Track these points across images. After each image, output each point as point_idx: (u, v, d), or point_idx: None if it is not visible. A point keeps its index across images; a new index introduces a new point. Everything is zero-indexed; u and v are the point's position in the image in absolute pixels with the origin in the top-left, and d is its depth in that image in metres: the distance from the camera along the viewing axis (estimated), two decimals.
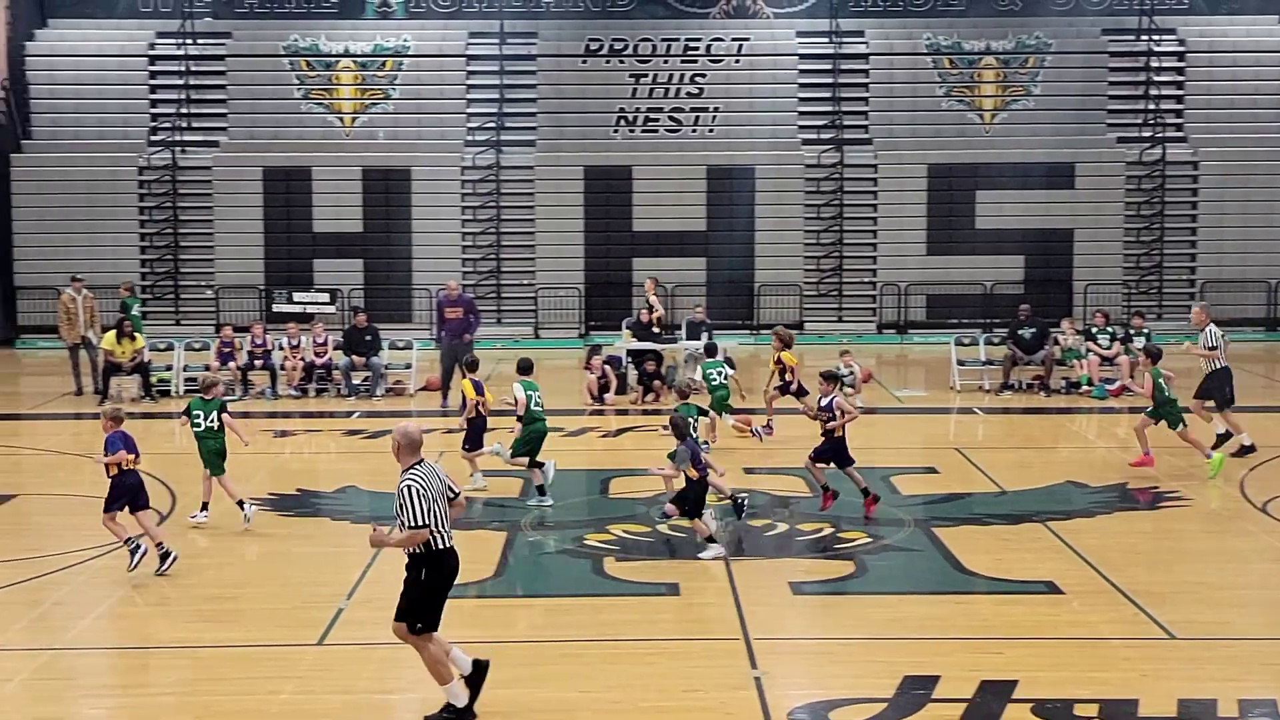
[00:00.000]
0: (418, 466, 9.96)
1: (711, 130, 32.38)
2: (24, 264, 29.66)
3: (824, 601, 12.69)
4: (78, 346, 24.32)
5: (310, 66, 32.12)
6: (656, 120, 32.42)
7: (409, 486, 9.83)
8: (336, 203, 30.74)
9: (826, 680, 10.75)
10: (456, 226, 31.10)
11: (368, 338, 24.11)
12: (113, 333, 23.38)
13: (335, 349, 24.18)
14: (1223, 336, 18.39)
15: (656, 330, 24.52)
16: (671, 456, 14.28)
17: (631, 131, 32.34)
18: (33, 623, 12.14)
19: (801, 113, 32.65)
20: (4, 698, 10.27)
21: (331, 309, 27.37)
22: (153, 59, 32.45)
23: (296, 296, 27.42)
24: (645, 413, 22.30)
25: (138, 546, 13.42)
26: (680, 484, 14.33)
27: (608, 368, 23.25)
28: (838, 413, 15.37)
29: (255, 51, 32.38)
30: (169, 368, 24.13)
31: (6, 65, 31.39)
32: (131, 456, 13.66)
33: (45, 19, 33.07)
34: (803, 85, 32.87)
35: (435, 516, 9.88)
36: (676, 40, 32.89)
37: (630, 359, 23.90)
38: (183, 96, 32.00)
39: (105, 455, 13.55)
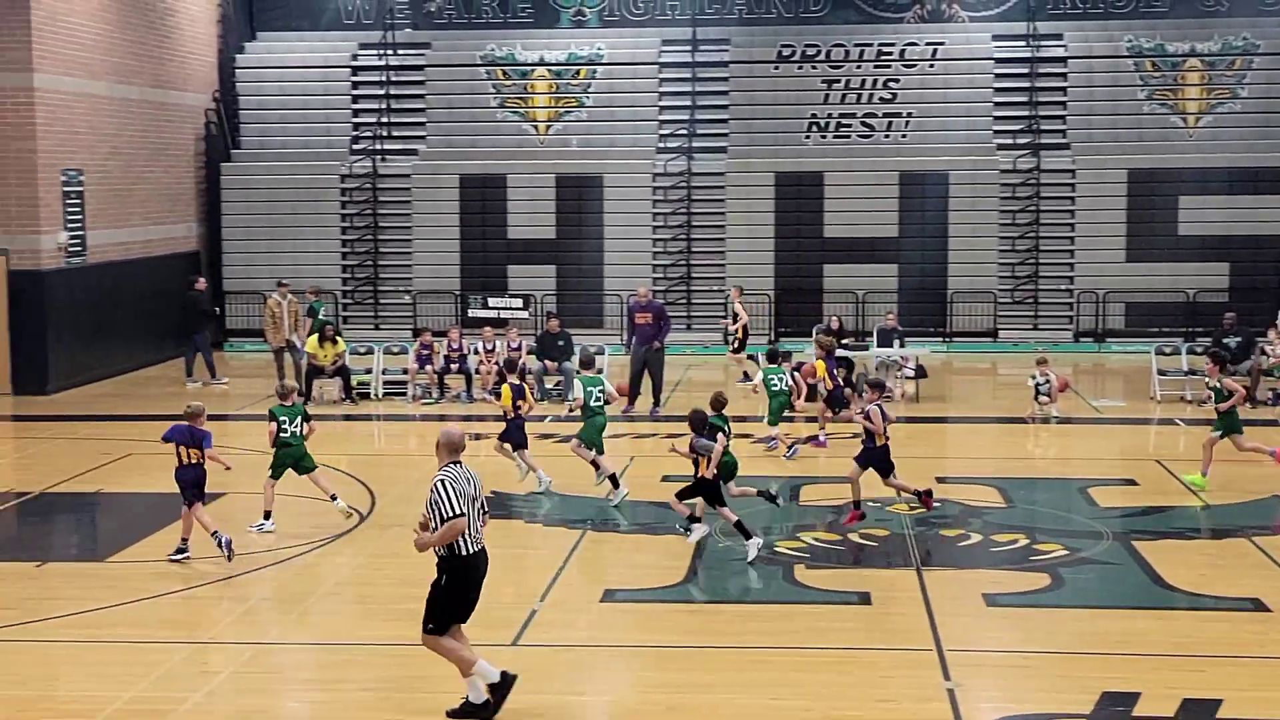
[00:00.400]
0: (452, 466, 10.09)
1: (905, 135, 32.07)
2: (231, 269, 30.68)
3: (1019, 614, 12.49)
4: (282, 350, 25.10)
5: (506, 76, 32.68)
6: (849, 126, 32.25)
7: (441, 481, 9.96)
8: (530, 209, 31.21)
9: (1021, 694, 10.58)
10: (648, 233, 31.33)
11: (560, 343, 24.42)
12: (315, 336, 24.07)
13: (529, 354, 24.54)
14: None
15: (845, 340, 24.38)
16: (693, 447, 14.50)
17: (823, 137, 32.21)
18: (241, 617, 12.59)
19: (997, 117, 32.15)
20: (214, 690, 10.66)
21: (525, 314, 27.78)
22: (355, 70, 33.33)
23: (491, 302, 27.88)
24: (835, 420, 22.16)
25: (223, 540, 14.02)
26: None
27: (797, 375, 23.18)
28: (869, 421, 15.06)
29: (453, 61, 33.05)
30: (369, 371, 24.74)
31: (218, 78, 32.52)
32: (196, 451, 14.15)
33: (254, 33, 34.20)
34: (998, 89, 32.36)
35: (465, 517, 9.94)
36: (870, 45, 32.65)
37: None
38: (383, 106, 32.80)
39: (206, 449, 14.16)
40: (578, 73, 32.67)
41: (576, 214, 31.26)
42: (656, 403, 22.90)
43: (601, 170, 31.43)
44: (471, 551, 10.02)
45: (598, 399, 17.13)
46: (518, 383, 17.34)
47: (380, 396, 24.35)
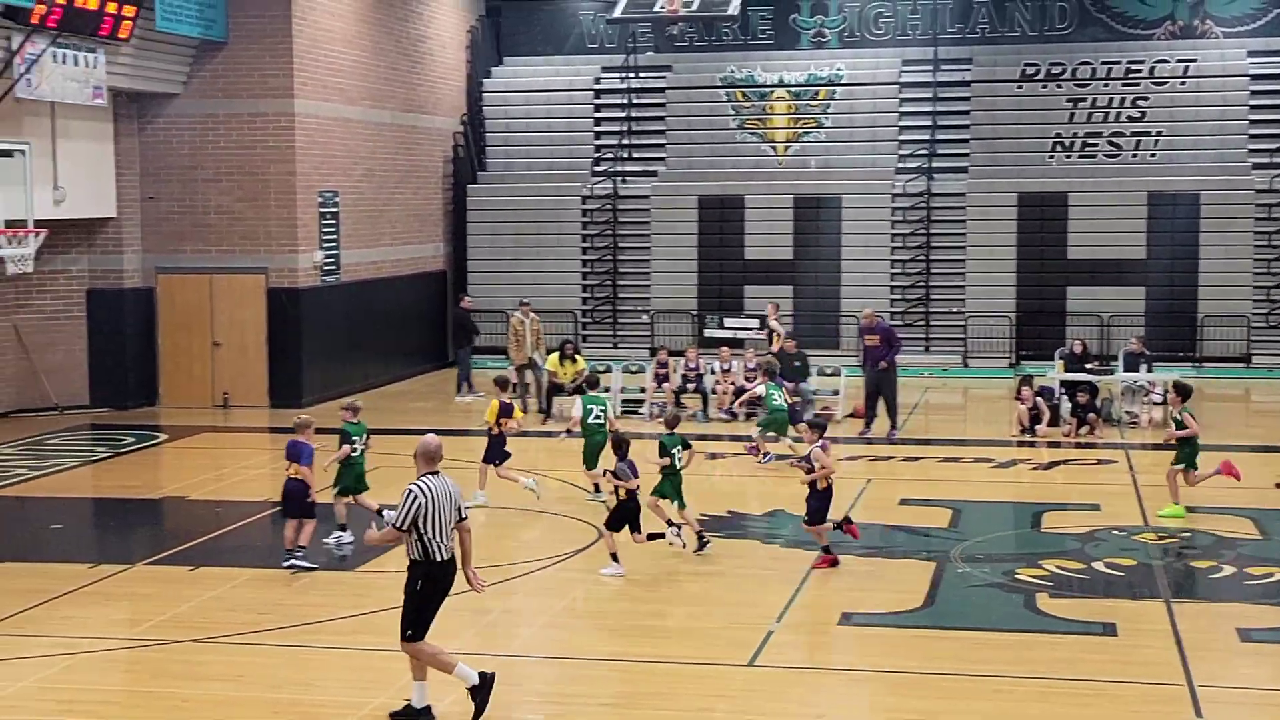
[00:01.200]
0: (428, 476, 10.36)
1: (1153, 155, 31.06)
2: (476, 288, 31.32)
3: (1276, 650, 11.92)
4: (524, 367, 25.56)
5: (745, 97, 32.75)
6: (1095, 145, 31.38)
7: (409, 490, 10.25)
8: (768, 230, 31.17)
9: None
10: (885, 254, 30.98)
11: (797, 364, 24.29)
12: (556, 355, 24.43)
13: (764, 375, 24.43)
14: None
15: (1089, 364, 23.69)
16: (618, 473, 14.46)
17: (1068, 157, 31.41)
18: (483, 629, 12.81)
19: (1252, 135, 30.89)
20: (456, 699, 10.86)
21: (762, 335, 27.74)
22: (597, 93, 33.80)
23: (728, 322, 27.92)
24: (1078, 445, 21.57)
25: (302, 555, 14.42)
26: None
27: (1039, 399, 22.63)
28: (816, 465, 14.57)
29: (693, 83, 33.27)
30: (607, 389, 24.95)
31: (466, 102, 33.35)
32: (298, 466, 14.46)
33: (501, 57, 34.97)
34: (1254, 107, 31.10)
35: (434, 527, 10.19)
36: (1118, 63, 31.73)
37: (1063, 390, 23.16)
38: (624, 128, 33.19)
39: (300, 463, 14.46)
40: (817, 93, 32.52)
41: (814, 234, 31.10)
42: (893, 425, 22.60)
43: (840, 191, 31.21)
44: (442, 559, 10.32)
45: (597, 418, 17.33)
46: (507, 400, 17.53)
47: (618, 414, 24.54)
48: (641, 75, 33.63)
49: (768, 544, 15.82)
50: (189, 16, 24.60)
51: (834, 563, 14.51)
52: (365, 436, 15.82)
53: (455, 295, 31.46)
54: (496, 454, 17.57)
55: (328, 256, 26.70)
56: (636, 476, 14.62)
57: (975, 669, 11.56)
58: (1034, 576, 14.19)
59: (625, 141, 33.07)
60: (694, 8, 29.86)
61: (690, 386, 24.62)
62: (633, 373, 25.64)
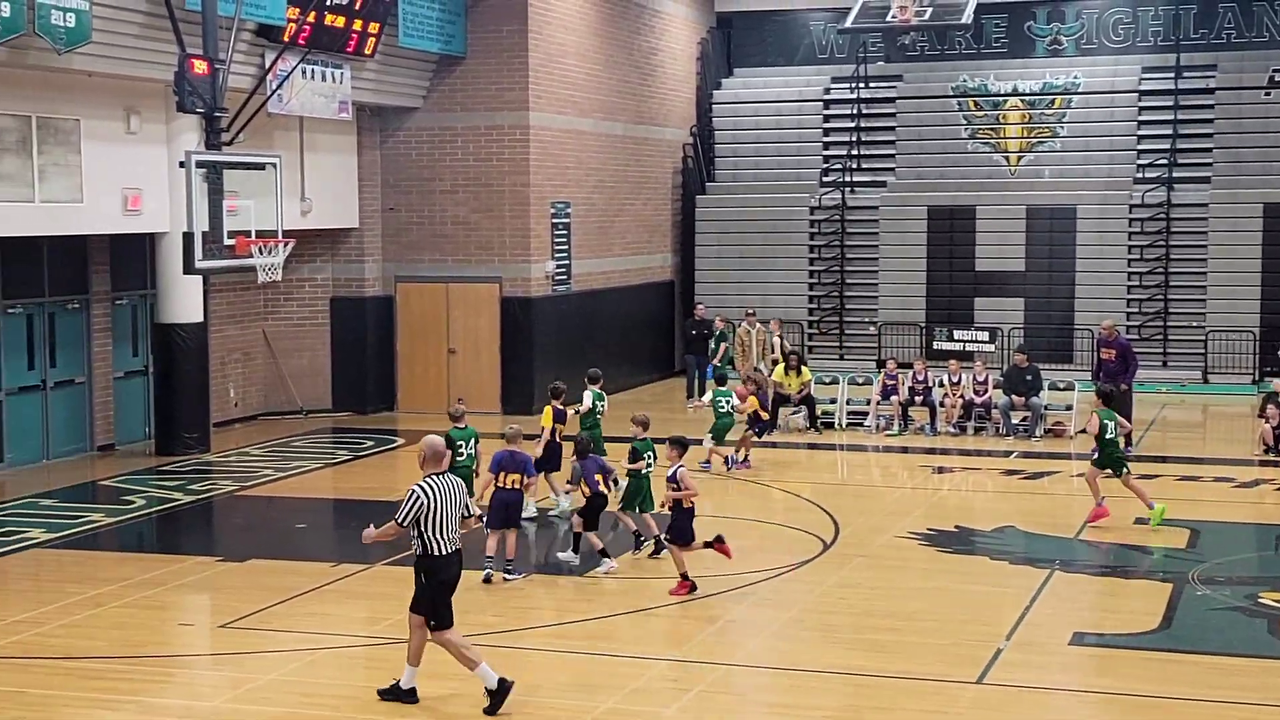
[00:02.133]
0: (435, 476, 10.72)
1: None
2: (703, 299, 31.39)
3: None
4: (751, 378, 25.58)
5: (978, 106, 32.25)
6: None
7: (414, 488, 10.64)
8: (999, 241, 30.62)
9: None
10: (1122, 266, 30.15)
11: (1028, 378, 23.84)
12: (781, 365, 24.42)
13: (995, 388, 24.08)
14: None
15: None
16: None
17: None
18: (711, 637, 12.90)
19: None
20: (685, 706, 10.96)
21: (991, 347, 27.28)
22: (827, 103, 33.67)
23: (956, 334, 27.55)
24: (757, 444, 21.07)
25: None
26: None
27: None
28: (681, 485, 14.14)
29: (924, 93, 32.90)
30: (833, 401, 24.89)
31: (695, 113, 33.58)
32: (516, 476, 14.62)
33: (731, 69, 35.12)
34: None
35: (435, 526, 10.61)
36: None
37: None
38: (853, 139, 33.01)
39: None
40: (1053, 102, 31.85)
41: (1047, 246, 30.45)
42: (1129, 442, 21.99)
43: (1075, 201, 30.51)
44: (444, 552, 10.69)
45: (601, 411, 17.76)
46: (560, 407, 17.52)
47: (844, 426, 24.46)
48: (872, 85, 33.41)
49: (996, 560, 15.56)
50: (430, 33, 25.35)
51: (692, 588, 14.10)
52: (473, 441, 16.14)
53: (685, 305, 31.71)
54: (554, 462, 17.63)
55: (559, 266, 27.19)
56: (598, 476, 14.97)
57: (1213, 695, 11.18)
58: (1279, 601, 13.66)
59: (854, 152, 32.88)
60: (926, 16, 29.57)
61: (918, 399, 24.35)
62: (859, 384, 25.49)
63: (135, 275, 23.27)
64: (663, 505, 14.73)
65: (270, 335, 26.28)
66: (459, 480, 10.97)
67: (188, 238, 18.30)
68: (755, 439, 21.00)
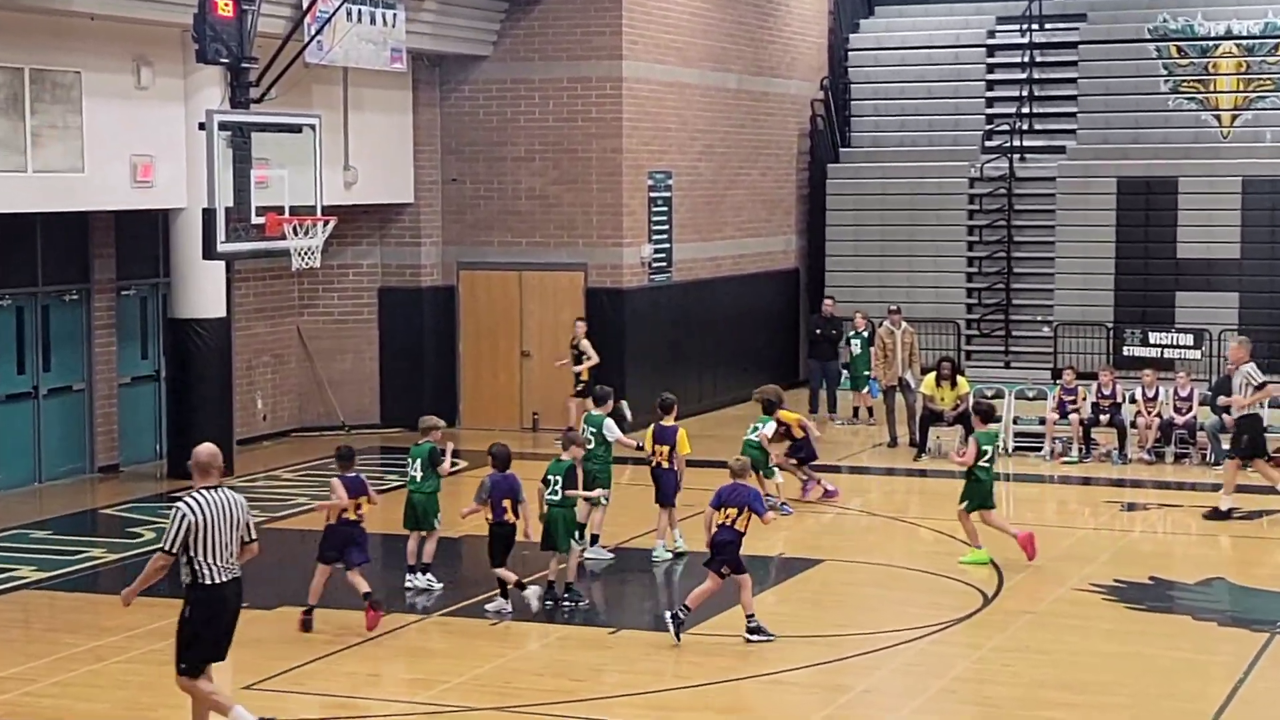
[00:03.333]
0: (203, 491, 11.01)
1: None
2: (835, 291, 31.32)
3: None
4: (893, 389, 25.56)
5: (1181, 53, 31.89)
6: None
7: (179, 505, 10.96)
8: (1207, 221, 30.27)
9: None
10: None
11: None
12: (932, 375, 24.33)
13: (1201, 405, 23.81)
14: None
15: None
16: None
17: None
18: (837, 711, 12.89)
19: None
20: None
21: (1197, 354, 26.97)
22: (991, 49, 33.46)
23: (1153, 338, 27.28)
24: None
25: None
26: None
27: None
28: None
29: (1114, 36, 32.58)
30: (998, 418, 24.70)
31: (828, 62, 33.51)
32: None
33: (871, 8, 35.03)
34: None
35: (207, 548, 10.86)
36: None
37: None
38: (1024, 93, 32.78)
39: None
40: (1276, 48, 31.43)
41: (1269, 228, 30.06)
42: None
43: None
44: (218, 580, 10.94)
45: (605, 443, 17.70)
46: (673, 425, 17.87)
47: (1010, 451, 24.30)
48: (1047, 27, 33.18)
49: (1202, 620, 15.42)
50: None
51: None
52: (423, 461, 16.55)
53: (811, 299, 31.69)
54: (663, 494, 17.86)
55: (658, 251, 27.31)
56: (506, 500, 15.39)
57: None
58: None
59: (1025, 110, 32.67)
60: None
61: (1103, 418, 24.14)
62: (1029, 399, 25.32)
63: (145, 260, 23.72)
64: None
65: (306, 334, 26.65)
66: (238, 497, 11.26)
67: (208, 215, 18.60)
68: (795, 467, 20.95)
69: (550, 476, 15.89)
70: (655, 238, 27.30)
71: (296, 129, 19.73)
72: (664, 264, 27.60)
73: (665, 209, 27.57)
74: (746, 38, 30.26)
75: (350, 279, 26.94)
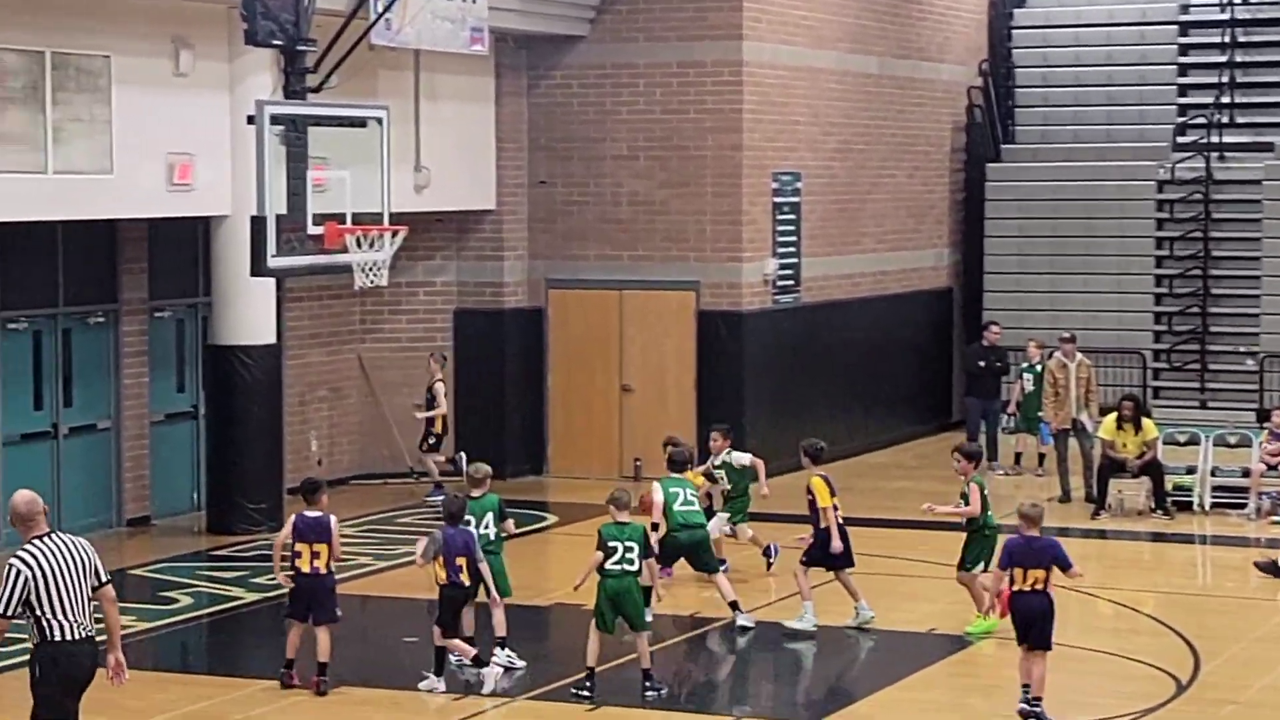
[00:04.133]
0: (36, 541, 11.28)
1: None
2: (996, 314, 31.08)
3: None
4: (1066, 433, 25.39)
5: None
6: None
7: (12, 562, 11.25)
8: None
9: None
10: None
11: None
12: (1113, 417, 24.14)
13: None
14: None
15: None
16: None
17: None
18: None
19: None
20: None
21: None
22: (1184, 27, 33.21)
23: None
24: None
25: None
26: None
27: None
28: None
29: None
30: (1191, 470, 24.48)
31: (987, 43, 33.36)
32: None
33: None
34: None
35: (52, 602, 11.17)
36: None
37: None
38: (1225, 79, 32.51)
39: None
40: None
41: None
42: None
43: None
44: (70, 637, 11.25)
45: (687, 502, 18.09)
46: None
47: (1208, 508, 24.06)
48: (1252, 1, 32.90)
49: None
50: None
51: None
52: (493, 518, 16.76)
53: (968, 324, 31.53)
54: (843, 554, 17.93)
55: (783, 266, 27.31)
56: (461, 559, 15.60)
57: None
58: None
59: (1225, 100, 32.40)
60: None
61: None
62: (1230, 446, 25.08)
63: (182, 277, 23.99)
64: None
65: (369, 363, 26.84)
66: (79, 541, 11.53)
67: (257, 224, 18.73)
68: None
69: (616, 543, 15.64)
70: (780, 251, 27.29)
71: (361, 122, 19.90)
72: (791, 282, 27.58)
73: (793, 217, 27.56)
74: (891, 14, 30.23)
75: (421, 299, 27.12)
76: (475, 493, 16.87)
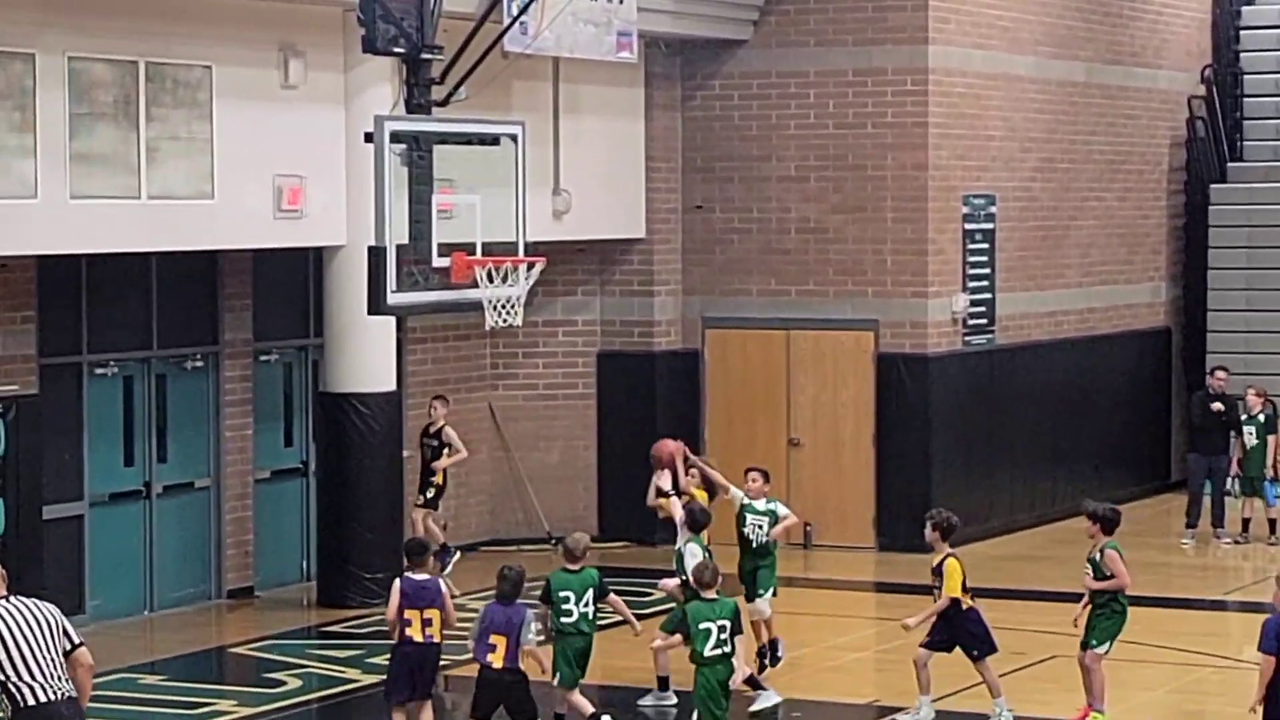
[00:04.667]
0: None
1: None
2: (1225, 358, 30.40)
3: None
4: None
5: None
6: None
7: None
8: None
9: None
10: None
11: None
12: None
13: None
14: None
15: None
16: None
17: None
18: None
19: None
20: None
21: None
22: None
23: None
24: None
25: None
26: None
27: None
28: None
29: None
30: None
31: (1211, 44, 32.98)
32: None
33: None
34: None
35: (17, 666, 11.39)
36: None
37: None
38: None
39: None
40: None
41: None
42: None
43: None
44: (42, 700, 11.45)
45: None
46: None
47: None
48: None
49: None
50: None
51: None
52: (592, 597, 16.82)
53: (1186, 369, 31.16)
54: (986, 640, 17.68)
55: (975, 303, 27.11)
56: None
57: None
58: None
59: None
60: None
61: None
62: None
63: (291, 315, 24.16)
64: None
65: (501, 414, 26.88)
66: (40, 603, 11.72)
67: (376, 255, 18.75)
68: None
69: (709, 624, 15.63)
70: (972, 285, 27.11)
71: (493, 140, 19.94)
72: (983, 321, 27.39)
73: (986, 246, 27.37)
74: (1100, 13, 29.98)
75: (560, 340, 27.14)
76: (572, 566, 16.93)
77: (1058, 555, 24.65)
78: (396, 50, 19.44)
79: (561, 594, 16.76)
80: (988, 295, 27.44)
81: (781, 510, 18.99)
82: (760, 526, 18.87)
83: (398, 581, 15.97)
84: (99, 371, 22.14)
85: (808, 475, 26.70)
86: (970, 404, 27.04)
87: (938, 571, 17.47)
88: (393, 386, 23.17)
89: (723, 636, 15.54)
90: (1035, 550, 26.23)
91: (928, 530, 17.72)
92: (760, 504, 18.97)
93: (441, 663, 16.56)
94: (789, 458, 26.82)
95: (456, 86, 20.20)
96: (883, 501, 26.46)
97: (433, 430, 24.13)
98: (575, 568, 16.91)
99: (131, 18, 20.22)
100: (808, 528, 26.32)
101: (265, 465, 23.92)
